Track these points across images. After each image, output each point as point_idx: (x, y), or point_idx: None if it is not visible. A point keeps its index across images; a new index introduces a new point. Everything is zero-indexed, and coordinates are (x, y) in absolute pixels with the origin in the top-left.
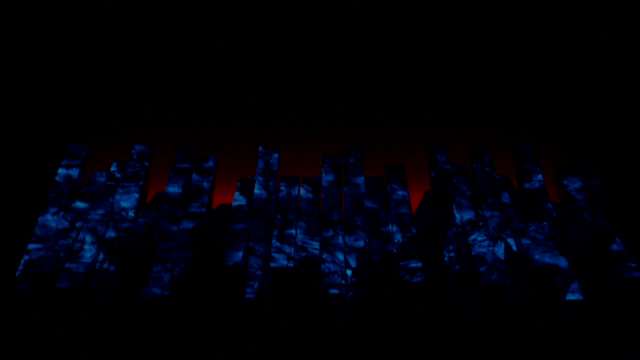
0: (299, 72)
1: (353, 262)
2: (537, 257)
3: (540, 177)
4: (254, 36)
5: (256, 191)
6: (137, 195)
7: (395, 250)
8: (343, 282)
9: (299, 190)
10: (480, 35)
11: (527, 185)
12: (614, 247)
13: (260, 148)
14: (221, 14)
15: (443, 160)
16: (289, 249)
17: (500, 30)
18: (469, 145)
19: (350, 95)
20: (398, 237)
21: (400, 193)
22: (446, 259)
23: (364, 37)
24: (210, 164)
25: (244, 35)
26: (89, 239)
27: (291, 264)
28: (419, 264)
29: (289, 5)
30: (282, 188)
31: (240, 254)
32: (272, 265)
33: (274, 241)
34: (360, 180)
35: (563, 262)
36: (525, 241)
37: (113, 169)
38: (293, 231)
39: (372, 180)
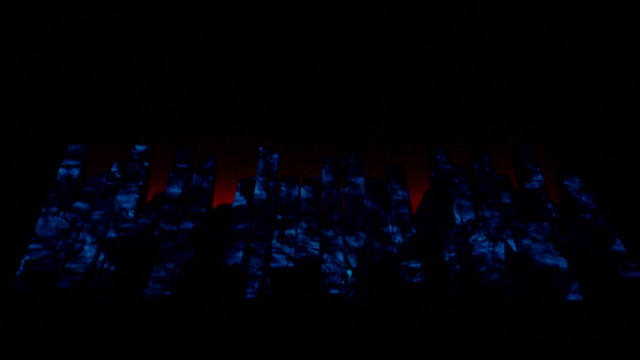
0: (299, 73)
1: (353, 262)
2: (537, 257)
3: (540, 177)
4: (254, 36)
5: (256, 191)
6: (137, 195)
7: (395, 251)
8: (342, 282)
9: (299, 191)
10: (482, 38)
11: (527, 185)
12: (614, 247)
13: (260, 148)
14: (222, 14)
15: (443, 160)
16: (288, 249)
17: (502, 32)
18: (469, 145)
19: (351, 96)
20: (398, 238)
21: (400, 193)
22: (446, 258)
23: (364, 37)
24: (210, 164)
25: (245, 35)
26: (89, 239)
27: (291, 264)
28: (419, 264)
29: (290, 5)
30: (282, 188)
31: (240, 254)
32: (273, 265)
33: (274, 241)
34: (360, 180)
35: (563, 263)
36: (525, 241)
37: (113, 169)
38: (293, 231)
39: (372, 181)
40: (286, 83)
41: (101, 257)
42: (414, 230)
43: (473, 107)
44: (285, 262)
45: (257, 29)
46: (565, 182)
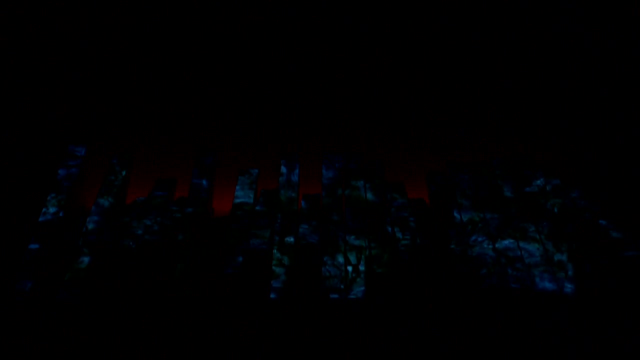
0: (303, 78)
1: (353, 259)
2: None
3: (539, 181)
4: (261, 40)
5: (257, 208)
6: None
7: (395, 247)
8: (342, 285)
9: (298, 174)
10: (488, 49)
11: (527, 189)
12: (614, 234)
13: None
14: (226, 18)
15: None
16: (288, 261)
17: (505, 45)
18: (473, 142)
19: (352, 100)
20: (399, 235)
21: (400, 201)
22: (447, 257)
23: (365, 47)
24: (210, 160)
25: (249, 38)
26: (86, 249)
27: (288, 279)
28: (415, 250)
29: (305, 16)
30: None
31: (240, 258)
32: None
33: (274, 251)
34: (360, 183)
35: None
36: (524, 244)
37: (114, 161)
38: (292, 239)
39: (372, 164)
40: (290, 89)
41: (98, 264)
42: (413, 225)
43: (481, 110)
44: (285, 278)
45: (263, 34)
46: (565, 186)
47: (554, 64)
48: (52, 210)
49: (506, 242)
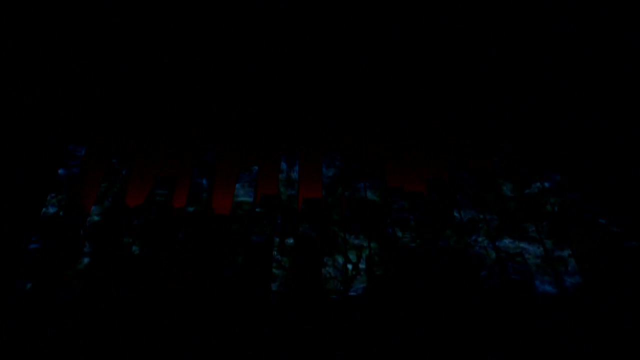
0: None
1: (353, 258)
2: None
3: (538, 183)
4: (261, 40)
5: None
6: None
7: (396, 246)
8: (342, 287)
9: (298, 171)
10: (484, 59)
11: (527, 191)
12: (614, 229)
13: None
14: (226, 17)
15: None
16: (288, 263)
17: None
18: (475, 143)
19: (352, 100)
20: (399, 234)
21: (401, 202)
22: (447, 262)
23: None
24: (210, 158)
25: (248, 37)
26: (87, 247)
27: (286, 282)
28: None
29: (305, 16)
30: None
31: (240, 258)
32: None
33: (274, 252)
34: (360, 185)
35: (562, 278)
36: (523, 244)
37: (114, 160)
38: (292, 240)
39: (372, 165)
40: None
41: (99, 259)
42: (412, 223)
43: (477, 113)
44: (284, 280)
45: (265, 35)
46: (564, 187)
47: (553, 63)
48: (52, 210)
49: (506, 241)
